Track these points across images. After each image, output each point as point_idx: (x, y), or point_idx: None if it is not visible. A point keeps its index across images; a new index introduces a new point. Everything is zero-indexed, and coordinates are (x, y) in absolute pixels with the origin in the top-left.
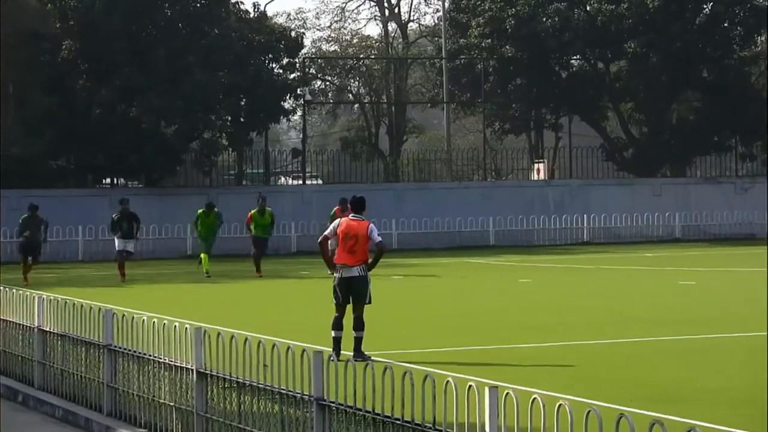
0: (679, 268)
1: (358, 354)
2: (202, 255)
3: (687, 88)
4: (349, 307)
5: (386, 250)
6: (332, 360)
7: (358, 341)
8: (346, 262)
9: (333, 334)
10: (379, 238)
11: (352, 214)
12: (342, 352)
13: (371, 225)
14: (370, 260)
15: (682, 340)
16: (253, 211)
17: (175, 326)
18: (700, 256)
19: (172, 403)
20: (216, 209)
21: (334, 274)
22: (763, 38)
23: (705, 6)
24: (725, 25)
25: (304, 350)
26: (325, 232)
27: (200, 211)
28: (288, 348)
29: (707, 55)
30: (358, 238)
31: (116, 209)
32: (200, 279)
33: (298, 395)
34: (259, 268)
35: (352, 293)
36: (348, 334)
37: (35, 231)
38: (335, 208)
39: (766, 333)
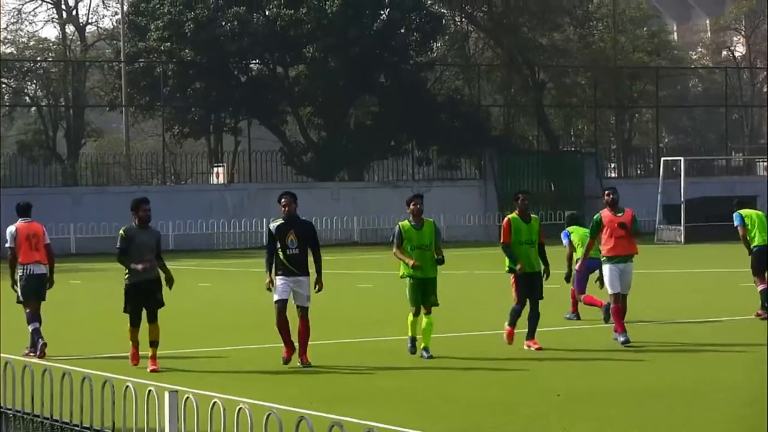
0: (357, 272)
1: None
2: None
3: (365, 93)
4: None
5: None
6: (38, 344)
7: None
8: (39, 259)
9: (31, 327)
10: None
11: (21, 219)
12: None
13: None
14: None
15: (360, 341)
16: (512, 215)
17: None
18: (378, 260)
19: None
20: None
21: (18, 274)
22: (438, 44)
23: (382, 12)
24: (402, 31)
25: None
26: (8, 245)
27: None
28: None
29: (384, 61)
30: (39, 237)
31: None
32: None
33: None
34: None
35: (41, 290)
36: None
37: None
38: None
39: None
